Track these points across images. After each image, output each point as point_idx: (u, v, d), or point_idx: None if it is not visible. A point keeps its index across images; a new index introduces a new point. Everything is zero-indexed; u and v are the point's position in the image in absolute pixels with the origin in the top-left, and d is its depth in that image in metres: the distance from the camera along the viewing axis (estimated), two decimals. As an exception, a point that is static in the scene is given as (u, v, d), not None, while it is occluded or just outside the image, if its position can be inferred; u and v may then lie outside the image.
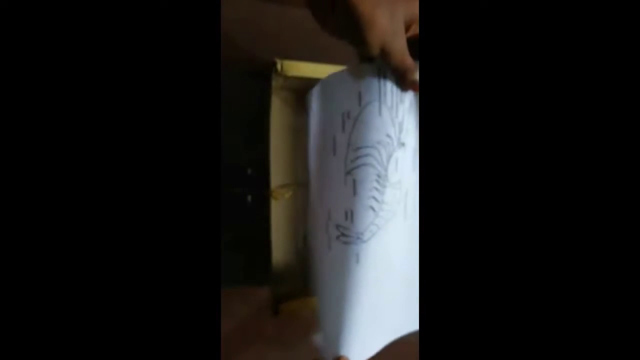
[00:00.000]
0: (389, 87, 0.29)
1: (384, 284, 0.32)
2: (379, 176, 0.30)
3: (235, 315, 0.40)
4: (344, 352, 0.32)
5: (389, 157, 0.30)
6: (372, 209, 0.30)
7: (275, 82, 0.40)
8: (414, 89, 0.30)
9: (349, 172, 0.30)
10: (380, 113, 0.29)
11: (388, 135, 0.30)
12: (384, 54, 0.28)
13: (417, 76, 0.29)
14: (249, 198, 0.42)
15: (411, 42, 0.29)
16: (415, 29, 0.29)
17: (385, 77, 0.29)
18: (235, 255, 0.41)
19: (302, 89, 0.40)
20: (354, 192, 0.30)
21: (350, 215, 0.30)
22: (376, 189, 0.30)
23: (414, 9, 0.28)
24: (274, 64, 0.40)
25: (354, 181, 0.30)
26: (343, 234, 0.31)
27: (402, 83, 0.30)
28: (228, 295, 0.37)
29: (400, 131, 0.30)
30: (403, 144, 0.30)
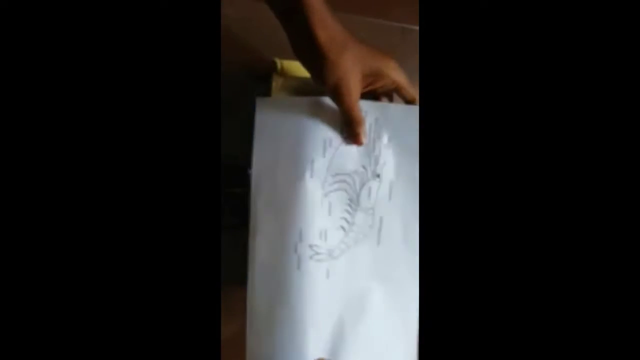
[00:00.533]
0: (369, 125, 0.33)
1: (349, 299, 0.35)
2: (350, 200, 0.34)
3: (235, 315, 0.40)
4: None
5: (362, 185, 0.34)
6: (343, 228, 0.34)
7: (275, 82, 0.40)
8: (355, 142, 0.33)
9: (325, 195, 0.33)
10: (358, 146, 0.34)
11: (363, 167, 0.34)
12: (336, 97, 0.31)
13: (360, 129, 0.32)
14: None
15: (367, 96, 0.33)
16: (376, 84, 0.33)
17: (367, 114, 0.33)
18: (235, 255, 0.41)
19: (302, 89, 0.40)
20: (329, 212, 0.33)
21: (324, 234, 0.33)
22: (347, 211, 0.34)
23: (382, 67, 0.32)
24: (274, 64, 0.40)
25: (329, 203, 0.33)
26: (316, 253, 0.33)
27: (345, 131, 0.33)
28: (228, 295, 0.37)
29: (376, 164, 0.34)
30: (378, 175, 0.34)
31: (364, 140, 0.33)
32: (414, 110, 0.34)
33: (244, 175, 0.37)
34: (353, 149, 0.33)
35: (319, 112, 0.33)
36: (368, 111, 0.33)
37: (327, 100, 0.33)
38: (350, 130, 0.33)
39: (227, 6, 0.29)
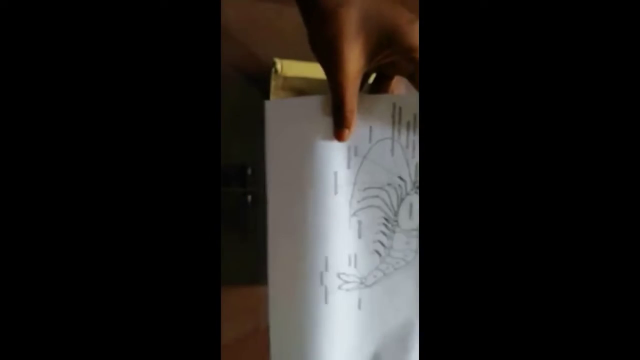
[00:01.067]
0: (406, 124, 0.27)
1: (388, 335, 0.30)
2: (387, 220, 0.28)
3: (235, 315, 0.40)
4: None
5: (401, 200, 0.28)
6: (378, 253, 0.29)
7: (275, 82, 0.40)
8: (336, 136, 0.26)
9: (354, 214, 0.28)
10: (393, 152, 0.27)
11: (401, 178, 0.28)
12: (326, 66, 0.24)
13: (347, 121, 0.25)
14: (249, 198, 0.42)
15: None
16: (388, 59, 0.25)
17: (401, 111, 0.27)
18: (235, 255, 0.41)
19: (302, 89, 0.40)
20: (359, 235, 0.28)
21: (354, 259, 0.28)
22: (383, 232, 0.28)
23: (403, 36, 0.24)
24: (274, 64, 0.40)
25: (359, 222, 0.28)
26: (345, 282, 0.29)
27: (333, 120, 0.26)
28: (228, 295, 0.37)
29: (417, 173, 0.28)
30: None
31: (347, 137, 0.26)
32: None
33: (244, 175, 0.37)
34: (386, 156, 0.27)
35: None
36: (404, 107, 0.26)
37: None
38: (335, 120, 0.25)
39: (227, 6, 0.29)
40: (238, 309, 0.39)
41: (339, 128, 0.25)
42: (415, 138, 0.27)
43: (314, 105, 0.26)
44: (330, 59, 0.23)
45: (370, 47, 0.23)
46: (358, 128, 0.26)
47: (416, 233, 0.28)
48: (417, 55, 0.23)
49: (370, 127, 0.27)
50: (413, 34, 0.23)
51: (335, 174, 0.27)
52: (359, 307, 0.29)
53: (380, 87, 0.27)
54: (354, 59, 0.23)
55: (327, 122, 0.26)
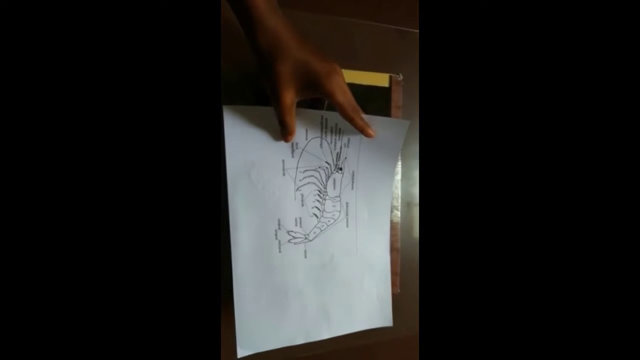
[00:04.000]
0: (330, 128, 0.38)
1: (327, 275, 0.42)
2: (319, 192, 0.40)
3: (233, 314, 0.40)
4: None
5: (328, 178, 0.40)
6: (316, 215, 0.40)
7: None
8: (284, 140, 0.37)
9: (298, 189, 0.39)
10: (321, 146, 0.39)
11: (327, 162, 0.40)
12: (271, 100, 0.34)
13: (287, 133, 0.35)
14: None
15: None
16: (314, 95, 0.33)
17: (327, 120, 0.38)
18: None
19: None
20: (302, 203, 0.39)
21: (299, 221, 0.40)
22: (318, 200, 0.40)
23: (324, 83, 0.32)
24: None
25: (302, 195, 0.39)
26: (294, 237, 0.40)
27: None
28: (228, 294, 0.37)
29: (338, 159, 0.40)
30: (340, 169, 0.40)
31: (290, 139, 0.36)
32: (381, 120, 0.37)
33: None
34: (317, 148, 0.39)
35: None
36: (328, 118, 0.37)
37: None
38: (281, 130, 0.35)
39: (227, 6, 0.30)
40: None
41: (283, 135, 0.36)
42: (335, 137, 0.39)
43: (269, 113, 0.35)
44: (273, 96, 0.32)
45: (299, 89, 0.32)
46: (298, 130, 0.37)
47: (338, 199, 0.41)
48: (333, 98, 0.32)
49: (307, 129, 0.38)
50: (330, 83, 0.32)
51: (283, 161, 0.38)
52: (305, 256, 0.40)
53: (314, 105, 0.38)
54: (288, 97, 0.32)
55: (276, 126, 0.36)
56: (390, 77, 0.45)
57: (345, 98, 0.33)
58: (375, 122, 0.36)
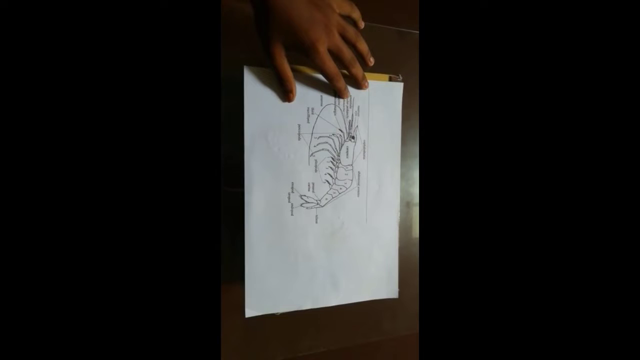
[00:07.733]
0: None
1: (337, 242, 0.43)
2: (332, 159, 0.41)
3: (235, 313, 0.40)
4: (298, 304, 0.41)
5: (341, 145, 0.41)
6: (328, 182, 0.41)
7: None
8: (286, 99, 0.38)
9: (312, 154, 0.40)
10: (335, 112, 0.40)
11: (340, 130, 0.41)
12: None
13: (287, 88, 0.37)
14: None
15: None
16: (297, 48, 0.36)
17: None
18: (235, 255, 0.41)
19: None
20: (315, 169, 0.40)
21: (312, 187, 0.41)
22: (331, 167, 0.41)
23: (303, 39, 0.35)
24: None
25: (315, 161, 0.40)
26: (306, 202, 0.41)
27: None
28: (228, 294, 0.37)
29: (350, 127, 0.41)
30: (353, 137, 0.41)
31: (292, 98, 0.38)
32: (379, 85, 0.41)
33: (244, 175, 0.38)
34: (331, 115, 0.40)
35: (302, 85, 0.39)
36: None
37: (308, 74, 0.39)
38: (281, 88, 0.37)
39: (227, 6, 0.30)
40: (237, 305, 0.39)
41: (284, 94, 0.38)
42: (347, 104, 0.41)
43: None
44: (266, 51, 0.36)
45: (284, 46, 0.35)
46: (313, 95, 0.39)
47: (350, 167, 0.42)
48: (311, 54, 0.35)
49: (321, 95, 0.40)
50: (308, 47, 0.35)
51: (299, 125, 0.39)
52: (316, 221, 0.41)
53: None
54: (278, 53, 0.35)
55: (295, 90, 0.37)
56: (390, 78, 0.45)
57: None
58: (372, 86, 0.39)
